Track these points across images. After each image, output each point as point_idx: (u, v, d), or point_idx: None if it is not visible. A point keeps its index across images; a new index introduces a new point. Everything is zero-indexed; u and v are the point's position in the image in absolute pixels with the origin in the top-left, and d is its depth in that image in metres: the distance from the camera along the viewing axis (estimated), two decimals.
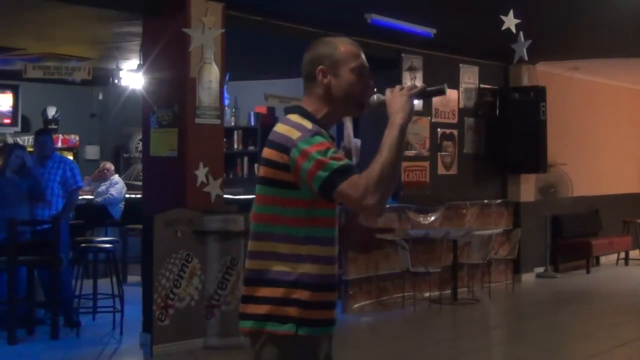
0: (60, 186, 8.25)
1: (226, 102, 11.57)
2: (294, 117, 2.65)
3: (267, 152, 2.64)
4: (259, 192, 2.67)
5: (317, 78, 2.69)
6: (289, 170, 2.56)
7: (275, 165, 2.59)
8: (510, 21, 7.03)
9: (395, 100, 2.64)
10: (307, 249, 2.60)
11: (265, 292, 2.61)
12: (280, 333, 2.59)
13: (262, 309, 2.61)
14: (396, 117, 2.61)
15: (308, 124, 2.61)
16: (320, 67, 2.68)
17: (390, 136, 2.58)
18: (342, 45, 2.72)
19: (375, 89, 2.79)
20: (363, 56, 2.75)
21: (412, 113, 2.63)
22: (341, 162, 2.53)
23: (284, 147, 2.57)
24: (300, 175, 2.54)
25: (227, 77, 10.83)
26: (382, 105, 2.70)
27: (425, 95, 2.72)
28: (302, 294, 2.58)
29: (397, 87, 2.68)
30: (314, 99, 2.71)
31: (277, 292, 2.60)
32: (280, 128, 2.64)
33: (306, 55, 2.74)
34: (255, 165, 11.80)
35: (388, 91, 2.69)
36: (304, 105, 2.71)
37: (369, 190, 2.48)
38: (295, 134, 2.57)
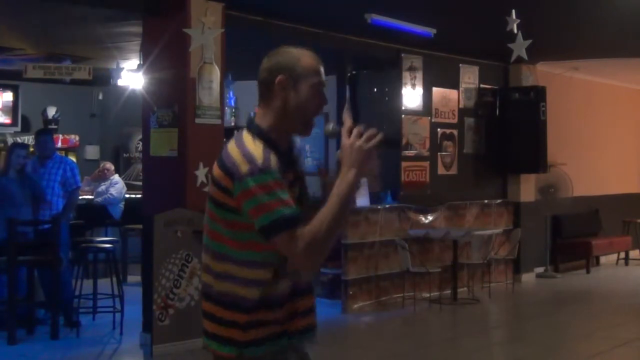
0: (60, 186, 8.26)
1: (232, 102, 11.59)
2: (248, 141, 2.55)
3: (216, 171, 2.56)
4: (208, 206, 2.61)
5: (275, 88, 2.59)
6: (231, 196, 2.49)
7: (221, 187, 2.53)
8: (512, 22, 7.04)
9: (350, 151, 2.49)
10: (246, 272, 2.55)
11: (212, 309, 2.60)
12: (223, 355, 2.58)
13: (209, 327, 2.61)
14: (348, 173, 2.47)
15: (259, 156, 2.48)
16: (280, 77, 2.58)
17: (339, 191, 2.46)
18: (305, 59, 2.62)
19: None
20: (323, 72, 2.65)
21: (366, 168, 2.50)
22: (286, 211, 2.43)
23: (231, 173, 2.49)
24: (242, 207, 2.47)
25: (230, 77, 10.88)
26: (335, 135, 2.61)
27: (382, 146, 2.55)
28: (240, 317, 2.54)
29: (355, 132, 2.52)
30: (269, 111, 2.61)
31: (220, 312, 2.58)
32: (232, 150, 2.54)
33: (265, 62, 2.64)
34: None
35: (344, 134, 2.53)
36: (259, 119, 2.62)
37: (308, 249, 2.41)
38: (244, 166, 2.46)
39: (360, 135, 2.52)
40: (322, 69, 2.65)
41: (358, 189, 2.52)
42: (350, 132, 2.54)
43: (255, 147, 2.52)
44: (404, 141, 10.10)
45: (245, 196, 2.45)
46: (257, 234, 2.47)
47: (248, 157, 2.48)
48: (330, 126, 2.67)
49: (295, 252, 2.43)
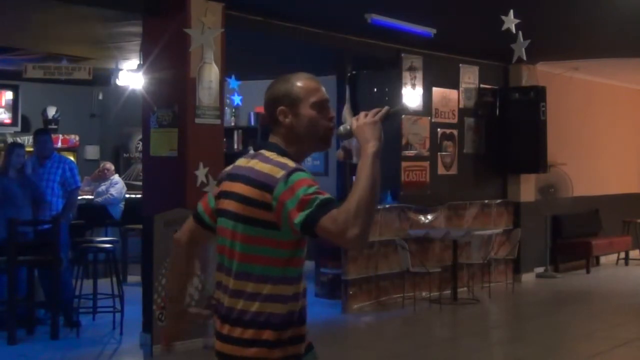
0: (60, 186, 8.26)
1: (235, 102, 11.58)
2: (273, 156, 2.61)
3: (246, 190, 2.57)
4: (242, 231, 2.60)
5: (279, 119, 2.66)
6: (270, 210, 2.51)
7: (257, 204, 2.54)
8: (510, 21, 7.03)
9: (362, 129, 2.58)
10: (279, 288, 2.57)
11: (243, 333, 2.59)
12: None
13: (239, 352, 2.60)
14: (367, 147, 2.55)
15: (290, 162, 2.57)
16: (280, 108, 2.65)
17: (364, 166, 2.51)
18: (300, 81, 2.68)
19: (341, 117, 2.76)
20: (322, 89, 2.70)
21: (381, 138, 2.58)
22: (323, 197, 2.47)
23: (267, 185, 2.52)
24: (282, 214, 2.49)
25: (233, 77, 10.88)
26: (350, 135, 2.66)
27: (389, 116, 2.66)
28: (268, 335, 2.55)
29: (362, 115, 2.63)
30: (279, 138, 2.67)
31: (242, 332, 2.58)
32: (261, 167, 2.58)
33: (265, 96, 2.71)
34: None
35: (353, 120, 2.63)
36: (276, 142, 2.68)
37: (349, 223, 2.40)
38: (278, 172, 2.52)
39: (365, 115, 2.63)
40: (319, 86, 2.70)
41: (379, 158, 2.57)
42: (357, 120, 2.64)
43: (282, 158, 2.59)
44: (403, 141, 10.10)
45: (286, 196, 2.47)
46: (300, 230, 2.46)
47: (280, 165, 2.55)
48: (342, 128, 2.71)
49: (337, 231, 2.41)
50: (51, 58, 10.02)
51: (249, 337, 2.57)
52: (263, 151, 2.66)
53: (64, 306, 7.85)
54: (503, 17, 6.97)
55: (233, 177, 2.66)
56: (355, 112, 10.24)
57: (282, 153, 2.63)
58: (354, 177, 10.33)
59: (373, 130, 2.58)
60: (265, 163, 2.59)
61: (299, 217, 2.45)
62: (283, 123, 2.66)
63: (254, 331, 2.57)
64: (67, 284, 7.97)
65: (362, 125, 2.59)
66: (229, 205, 2.63)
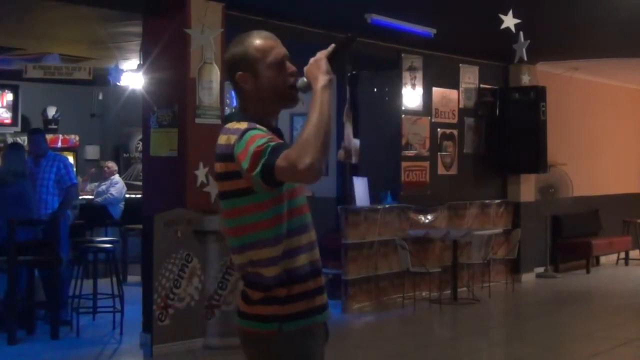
0: (55, 184, 8.24)
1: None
2: (231, 124, 2.62)
3: (217, 167, 2.61)
4: (223, 207, 2.64)
5: (239, 85, 2.65)
6: (240, 177, 2.53)
7: (226, 176, 2.57)
8: (509, 20, 7.03)
9: (310, 70, 2.57)
10: (277, 249, 2.58)
11: (252, 294, 2.63)
12: (264, 332, 2.60)
13: (251, 310, 2.64)
14: (317, 82, 2.52)
15: (243, 125, 2.57)
16: (239, 74, 2.63)
17: (315, 101, 2.49)
18: (254, 42, 2.65)
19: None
20: (279, 46, 2.68)
21: (330, 73, 2.55)
22: (274, 143, 2.47)
23: (227, 155, 2.54)
24: (242, 167, 2.50)
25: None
26: (308, 88, 2.62)
27: (338, 51, 2.63)
28: (280, 292, 2.58)
29: (311, 59, 2.60)
30: (245, 103, 2.67)
31: (253, 293, 2.62)
32: (221, 139, 2.61)
33: (224, 58, 2.73)
34: None
35: (305, 68, 2.60)
36: (239, 110, 2.69)
37: (300, 155, 2.39)
38: (233, 138, 2.53)
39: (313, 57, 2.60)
40: (275, 43, 2.68)
41: (330, 92, 2.54)
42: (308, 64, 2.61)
43: (239, 124, 2.59)
44: (403, 141, 10.10)
45: (243, 154, 2.48)
46: (262, 183, 2.47)
47: (234, 131, 2.56)
48: (300, 81, 2.65)
49: (289, 164, 2.40)
50: (51, 57, 10.02)
51: (262, 297, 2.60)
52: (227, 123, 2.66)
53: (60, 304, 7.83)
54: (502, 16, 6.97)
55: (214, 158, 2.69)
56: (354, 112, 10.25)
57: (242, 118, 2.62)
58: (354, 177, 10.33)
59: (319, 66, 2.55)
60: (224, 134, 2.60)
61: (256, 169, 2.45)
62: (245, 89, 2.64)
63: (264, 291, 2.60)
64: (64, 282, 7.96)
65: (309, 67, 2.58)
66: (217, 185, 2.67)
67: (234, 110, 2.72)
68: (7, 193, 7.67)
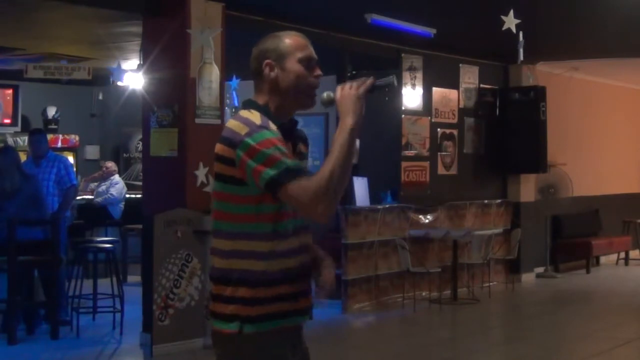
0: (55, 185, 8.25)
1: (236, 102, 11.58)
2: (245, 113, 2.61)
3: (217, 147, 2.60)
4: (214, 188, 2.66)
5: (264, 72, 2.64)
6: (234, 166, 2.53)
7: (224, 160, 2.56)
8: (510, 21, 7.04)
9: (344, 101, 2.56)
10: (251, 244, 2.57)
11: (218, 289, 2.62)
12: (226, 332, 2.59)
13: (215, 307, 2.63)
14: (346, 120, 2.52)
15: (257, 119, 2.55)
16: (267, 61, 2.64)
17: (340, 139, 2.49)
18: (288, 38, 2.67)
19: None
20: (311, 48, 2.70)
21: (362, 114, 2.55)
22: (290, 162, 2.47)
23: (231, 141, 2.53)
24: (246, 171, 2.50)
25: (235, 79, 10.86)
26: (332, 103, 2.63)
27: (374, 90, 2.64)
28: (244, 292, 2.56)
29: (347, 85, 2.60)
30: (263, 94, 2.66)
31: (225, 290, 2.59)
32: (230, 123, 2.60)
33: (253, 50, 2.70)
34: None
35: (338, 89, 2.60)
36: (256, 99, 2.68)
37: (319, 195, 2.42)
38: (243, 129, 2.52)
39: (350, 86, 2.59)
40: (308, 45, 2.69)
41: (358, 136, 2.55)
42: (342, 89, 2.61)
43: (251, 114, 2.58)
44: (403, 141, 10.10)
45: (248, 155, 2.48)
46: (264, 189, 2.48)
47: (245, 122, 2.55)
48: (325, 95, 2.67)
49: (303, 200, 2.44)
50: (51, 58, 10.02)
51: (228, 294, 2.58)
52: (240, 110, 2.66)
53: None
54: (503, 17, 6.97)
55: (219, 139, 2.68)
56: None
57: (256, 108, 2.62)
58: (354, 178, 10.31)
59: (355, 104, 2.55)
60: (235, 120, 2.60)
61: (264, 175, 2.45)
62: (268, 76, 2.64)
63: (231, 288, 2.58)
64: (61, 283, 7.95)
65: (345, 96, 2.56)
66: (214, 166, 2.66)
67: (247, 100, 2.69)
68: (17, 195, 7.68)
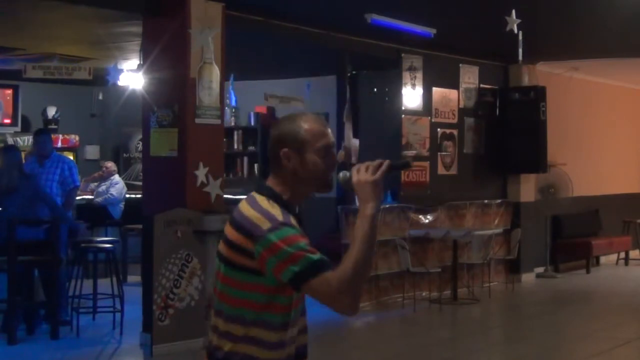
0: (58, 185, 8.26)
1: (234, 102, 11.58)
2: (263, 202, 2.54)
3: (230, 233, 2.53)
4: (219, 268, 2.58)
5: (282, 162, 2.59)
6: (252, 258, 2.47)
7: (236, 248, 2.51)
8: (512, 22, 7.04)
9: (363, 187, 2.52)
10: (261, 333, 2.53)
11: None
12: None
13: None
14: (366, 208, 2.49)
15: (279, 214, 2.50)
16: (284, 150, 2.57)
17: (362, 229, 2.46)
18: (307, 125, 2.59)
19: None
20: (329, 133, 2.63)
21: (381, 198, 2.52)
22: (315, 257, 2.43)
23: (250, 234, 2.47)
24: (266, 266, 2.46)
25: (232, 78, 10.87)
26: (349, 184, 2.58)
27: (391, 172, 2.58)
28: None
29: (362, 168, 2.54)
30: (279, 180, 2.60)
31: None
32: (247, 211, 2.53)
33: (272, 131, 2.64)
34: (256, 166, 11.82)
35: (354, 172, 2.55)
36: (271, 183, 2.62)
37: (342, 290, 2.39)
38: (265, 224, 2.45)
39: (367, 168, 2.54)
40: (325, 130, 2.63)
41: (378, 219, 2.52)
42: (357, 171, 2.55)
43: (272, 207, 2.52)
44: (403, 141, 10.10)
45: (270, 252, 2.43)
46: (287, 284, 2.44)
47: (267, 215, 2.48)
48: (341, 175, 2.63)
49: (329, 294, 2.41)
50: (51, 58, 10.01)
51: None
52: (254, 193, 2.60)
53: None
54: (507, 18, 6.97)
55: (229, 219, 2.61)
56: (354, 112, 10.26)
57: (274, 197, 2.57)
58: None
59: (374, 190, 2.51)
60: (253, 209, 2.53)
61: (286, 272, 2.42)
62: (286, 166, 2.59)
63: None
64: (62, 283, 7.96)
65: (363, 183, 2.52)
66: (220, 246, 2.60)
67: (264, 186, 2.62)
68: (18, 194, 7.69)
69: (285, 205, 2.55)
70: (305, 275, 2.40)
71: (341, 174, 2.63)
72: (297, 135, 2.57)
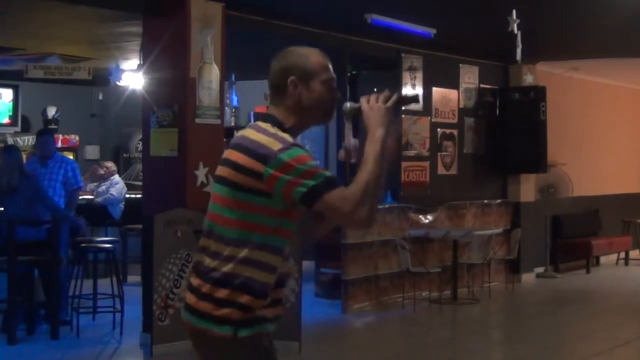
0: (62, 186, 8.27)
1: (235, 102, 11.58)
2: (268, 127, 2.63)
3: (237, 157, 2.59)
4: (219, 192, 2.64)
5: (288, 89, 2.68)
6: (261, 179, 2.54)
7: (244, 170, 2.56)
8: (513, 22, 7.04)
9: (373, 114, 2.65)
10: (266, 256, 2.60)
11: (211, 290, 2.60)
12: (219, 335, 2.58)
13: (204, 307, 2.60)
14: (376, 132, 2.62)
15: (287, 136, 2.60)
16: (292, 78, 2.67)
17: (372, 149, 2.60)
18: (313, 57, 2.73)
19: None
20: (331, 68, 2.76)
21: (390, 124, 2.65)
22: (328, 173, 2.54)
23: (261, 155, 2.54)
24: (275, 185, 2.52)
25: (234, 78, 10.86)
26: (355, 113, 2.72)
27: (400, 104, 2.74)
28: (244, 298, 2.57)
29: (372, 98, 2.68)
30: (282, 109, 2.70)
31: (221, 292, 2.58)
32: (254, 135, 2.61)
33: (275, 64, 2.73)
34: None
35: (363, 101, 2.69)
36: (274, 114, 2.70)
37: (359, 202, 2.50)
38: (275, 145, 2.54)
39: (377, 98, 2.68)
40: (329, 65, 2.75)
41: (388, 148, 2.64)
42: (367, 101, 2.69)
43: (282, 133, 2.62)
44: (403, 141, 10.10)
45: (281, 171, 2.51)
46: (299, 201, 2.52)
47: (277, 138, 2.58)
48: (348, 105, 2.77)
49: (347, 209, 2.51)
50: (51, 58, 10.02)
51: (223, 297, 2.57)
52: (258, 122, 2.68)
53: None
54: (509, 18, 6.97)
55: (231, 146, 2.68)
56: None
57: (278, 125, 2.65)
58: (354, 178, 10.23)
59: (383, 117, 2.65)
60: (261, 133, 2.61)
61: (300, 187, 2.50)
62: (291, 93, 2.68)
63: (228, 292, 2.57)
64: (62, 283, 7.96)
65: (373, 109, 2.66)
66: (222, 171, 2.65)
67: (266, 115, 2.71)
68: (18, 195, 7.68)
69: (287, 131, 2.64)
70: (320, 189, 2.50)
71: (348, 104, 2.77)
72: (305, 66, 2.70)
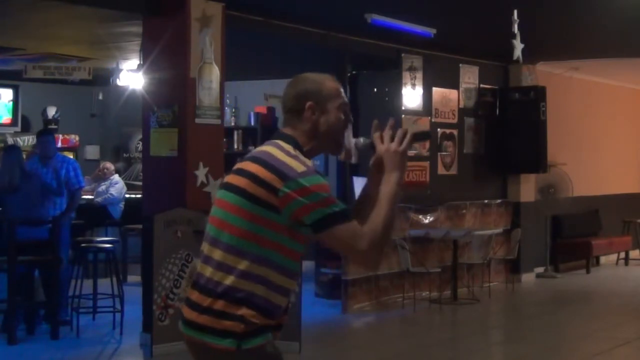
0: (63, 186, 8.25)
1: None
2: (290, 148, 2.64)
3: (257, 170, 2.58)
4: (225, 198, 2.65)
5: (305, 114, 2.70)
6: (276, 195, 2.54)
7: (265, 184, 2.56)
8: (515, 22, 7.05)
9: (390, 158, 2.69)
10: (277, 277, 2.60)
11: (211, 302, 2.60)
12: (221, 347, 2.57)
13: (202, 320, 2.60)
14: (392, 175, 2.66)
15: (309, 162, 2.63)
16: (309, 103, 2.70)
17: (388, 192, 2.63)
18: (328, 82, 2.75)
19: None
20: (344, 93, 2.80)
21: (405, 168, 2.70)
22: (342, 205, 2.55)
23: (283, 174, 2.54)
24: (289, 204, 2.52)
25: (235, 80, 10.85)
26: (368, 148, 2.75)
27: (414, 142, 2.76)
28: (247, 312, 2.56)
29: (386, 136, 2.71)
30: (299, 132, 2.71)
31: (222, 306, 2.58)
32: (277, 153, 2.61)
33: (290, 90, 2.75)
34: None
35: (376, 139, 2.72)
36: (294, 136, 2.71)
37: (374, 243, 2.54)
38: (298, 167, 2.56)
39: (392, 138, 2.71)
40: (342, 90, 2.79)
41: (402, 188, 2.68)
42: (381, 138, 2.73)
43: (300, 155, 2.64)
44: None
45: (299, 194, 2.51)
46: (309, 226, 2.53)
47: (299, 160, 2.60)
48: (361, 140, 2.81)
49: (358, 248, 2.54)
50: (51, 58, 10.02)
51: (224, 310, 2.56)
52: (279, 141, 2.68)
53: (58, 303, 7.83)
54: (513, 19, 6.98)
55: (248, 158, 2.68)
56: (354, 113, 10.22)
57: (299, 148, 2.67)
58: (354, 177, 10.31)
59: (401, 160, 2.69)
60: (284, 153, 2.61)
61: (315, 213, 2.51)
62: (308, 118, 2.71)
63: (230, 305, 2.56)
64: (63, 283, 7.96)
65: (391, 153, 2.69)
66: (237, 180, 2.64)
67: (287, 136, 2.73)
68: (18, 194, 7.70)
69: (306, 157, 2.67)
70: (335, 219, 2.52)
71: (362, 139, 2.81)
72: (322, 91, 2.73)
